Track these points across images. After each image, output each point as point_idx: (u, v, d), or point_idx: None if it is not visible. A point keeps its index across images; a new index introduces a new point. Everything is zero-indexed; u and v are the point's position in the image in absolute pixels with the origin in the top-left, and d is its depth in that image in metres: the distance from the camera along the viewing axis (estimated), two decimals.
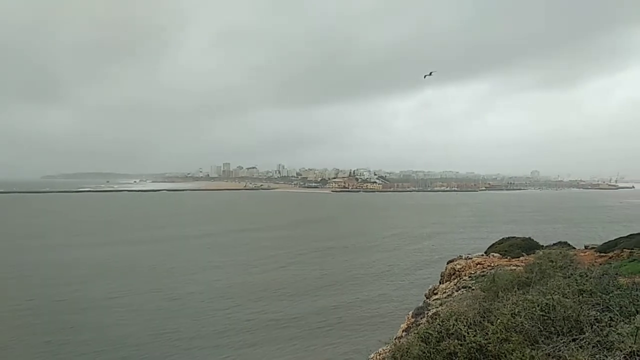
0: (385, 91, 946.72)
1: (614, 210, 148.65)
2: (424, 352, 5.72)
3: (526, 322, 5.38)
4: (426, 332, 6.06)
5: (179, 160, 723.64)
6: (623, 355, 4.43)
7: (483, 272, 16.89)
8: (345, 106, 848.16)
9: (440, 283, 20.21)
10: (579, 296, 6.17)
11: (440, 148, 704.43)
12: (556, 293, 6.12)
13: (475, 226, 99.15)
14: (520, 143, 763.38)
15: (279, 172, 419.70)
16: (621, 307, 5.73)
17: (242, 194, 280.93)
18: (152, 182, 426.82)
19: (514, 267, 14.72)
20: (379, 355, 11.08)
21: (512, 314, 5.62)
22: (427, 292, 19.65)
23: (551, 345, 5.02)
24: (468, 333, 5.55)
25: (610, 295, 6.23)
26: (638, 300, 6.00)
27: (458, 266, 19.68)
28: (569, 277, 7.56)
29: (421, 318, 12.31)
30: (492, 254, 22.27)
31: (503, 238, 27.21)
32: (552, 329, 5.38)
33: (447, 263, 21.59)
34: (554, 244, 21.82)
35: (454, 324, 5.87)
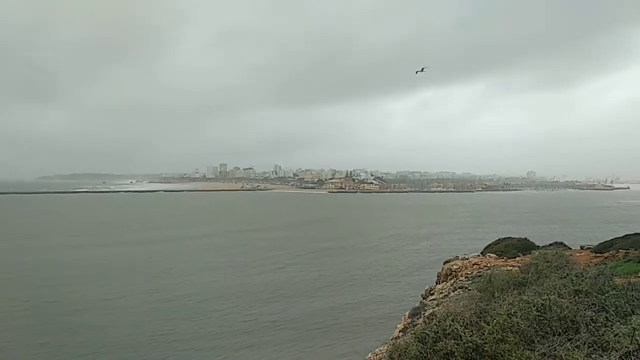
0: (383, 91, 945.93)
1: (610, 211, 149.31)
2: (421, 352, 5.73)
3: (522, 323, 5.40)
4: (423, 333, 6.06)
5: (178, 160, 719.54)
6: (619, 356, 4.45)
7: (479, 272, 16.93)
8: (343, 106, 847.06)
9: (436, 283, 20.25)
10: (574, 296, 6.20)
11: (437, 149, 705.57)
12: (552, 293, 6.15)
13: (472, 227, 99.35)
14: (520, 143, 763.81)
15: (276, 173, 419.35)
16: (617, 308, 5.75)
17: (238, 194, 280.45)
18: (149, 182, 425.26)
19: (510, 268, 14.75)
20: (376, 355, 11.10)
21: (508, 314, 5.64)
22: (423, 292, 19.67)
23: (547, 345, 5.04)
24: (465, 333, 5.56)
25: (606, 295, 6.26)
26: (634, 301, 6.03)
27: (454, 267, 19.73)
28: (564, 278, 7.59)
29: (418, 318, 12.34)
30: (489, 254, 22.34)
31: (499, 238, 27.32)
32: (548, 329, 5.40)
33: (444, 263, 21.63)
34: (550, 245, 21.95)
35: (450, 324, 5.88)
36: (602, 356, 4.54)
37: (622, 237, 20.71)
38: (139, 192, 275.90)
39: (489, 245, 26.02)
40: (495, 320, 5.53)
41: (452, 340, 5.55)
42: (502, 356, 5.02)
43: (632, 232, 22.48)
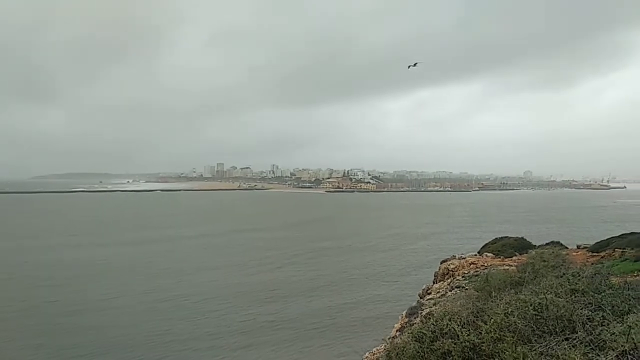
0: (381, 91, 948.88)
1: (606, 210, 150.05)
2: (419, 352, 5.73)
3: (519, 322, 5.41)
4: (420, 332, 6.06)
5: (178, 160, 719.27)
6: (615, 354, 4.46)
7: (476, 271, 16.98)
8: (341, 106, 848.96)
9: (434, 283, 20.30)
10: (571, 295, 6.21)
11: (435, 149, 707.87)
12: (549, 292, 6.15)
13: (469, 226, 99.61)
14: (519, 143, 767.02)
15: (273, 172, 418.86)
16: (613, 307, 5.76)
17: (236, 194, 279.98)
18: (146, 182, 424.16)
19: (507, 267, 14.80)
20: (374, 355, 11.11)
21: (505, 313, 5.65)
22: (420, 291, 19.72)
23: (544, 344, 5.05)
24: (462, 332, 5.56)
25: (603, 294, 6.27)
26: (630, 300, 6.05)
27: (452, 266, 19.78)
28: (561, 277, 7.60)
29: (415, 318, 12.35)
30: (486, 253, 22.41)
31: (496, 238, 27.39)
32: (545, 328, 5.41)
33: (441, 263, 21.69)
34: (547, 244, 21.99)
35: (447, 324, 5.88)
36: (598, 355, 4.55)
37: (619, 236, 20.79)
38: (136, 192, 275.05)
39: (486, 244, 26.08)
40: (492, 320, 5.54)
41: (450, 340, 5.55)
42: (499, 355, 5.02)
43: (628, 232, 22.59)
